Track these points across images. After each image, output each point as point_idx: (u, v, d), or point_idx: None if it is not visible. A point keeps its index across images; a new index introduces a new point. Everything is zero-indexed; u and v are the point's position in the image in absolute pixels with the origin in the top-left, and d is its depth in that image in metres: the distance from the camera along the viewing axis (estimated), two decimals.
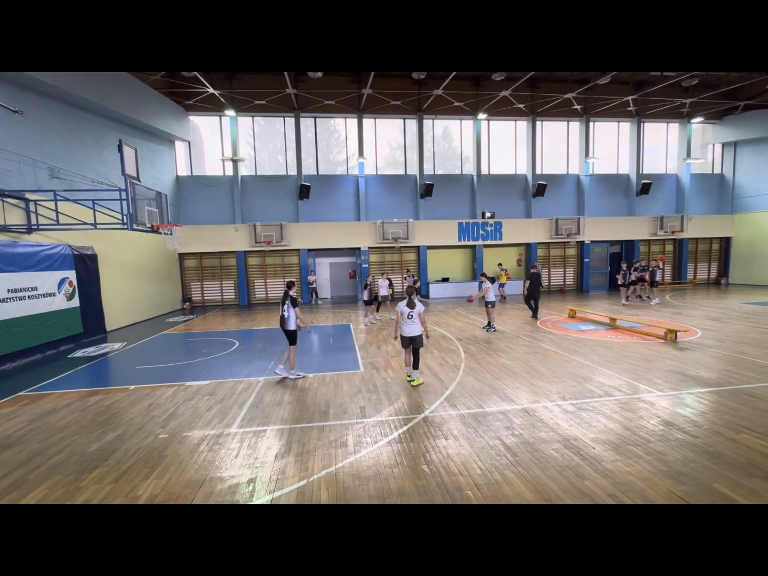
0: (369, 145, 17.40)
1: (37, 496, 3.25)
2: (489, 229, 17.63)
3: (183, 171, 16.51)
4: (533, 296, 11.05)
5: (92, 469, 3.67)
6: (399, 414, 4.70)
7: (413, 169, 17.80)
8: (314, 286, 16.83)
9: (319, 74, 13.71)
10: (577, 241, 18.37)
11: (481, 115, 16.97)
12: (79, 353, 8.52)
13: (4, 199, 7.90)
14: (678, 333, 8.06)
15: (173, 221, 13.14)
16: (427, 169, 17.72)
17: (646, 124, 18.91)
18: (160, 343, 9.50)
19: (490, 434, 4.08)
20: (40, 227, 8.42)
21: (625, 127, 18.93)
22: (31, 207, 8.42)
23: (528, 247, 18.34)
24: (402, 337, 5.73)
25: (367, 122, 17.25)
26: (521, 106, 17.31)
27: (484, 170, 18.11)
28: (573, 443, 3.83)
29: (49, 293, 8.69)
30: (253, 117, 16.68)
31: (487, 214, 17.69)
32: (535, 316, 11.05)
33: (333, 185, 17.29)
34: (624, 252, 19.34)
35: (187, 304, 15.86)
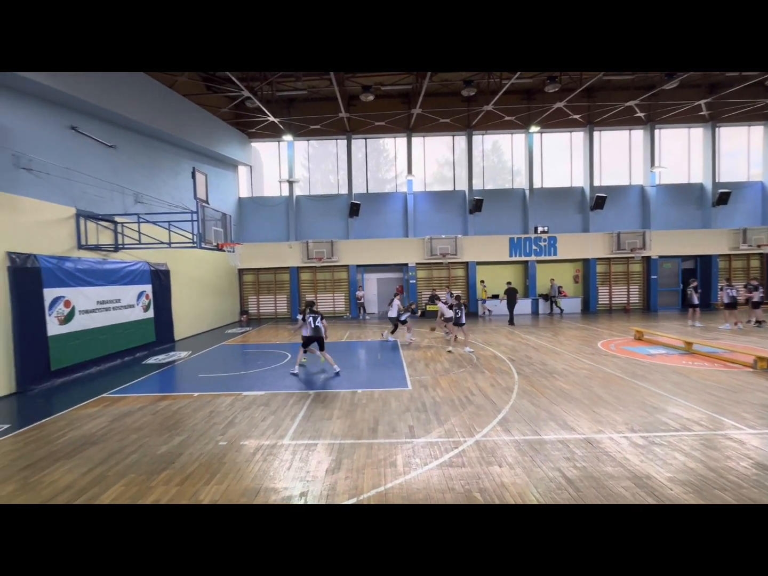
0: (417, 162, 17.65)
1: (115, 492, 3.56)
2: (542, 244, 16.90)
3: (244, 193, 17.83)
4: (510, 306, 13.96)
5: (161, 470, 3.96)
6: (449, 436, 4.56)
7: (462, 185, 17.70)
8: (362, 301, 17.11)
9: (371, 97, 14.26)
10: (642, 257, 16.99)
11: (534, 128, 16.53)
12: (151, 360, 9.35)
13: (98, 222, 9.04)
14: None
15: (235, 240, 14.15)
16: (476, 184, 17.52)
17: (722, 128, 17.26)
18: (219, 354, 10.15)
19: (549, 464, 3.82)
20: (125, 246, 9.49)
21: (697, 132, 17.42)
22: (119, 228, 9.54)
23: (586, 262, 17.27)
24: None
25: (416, 140, 17.54)
26: (577, 116, 16.64)
27: (537, 184, 17.52)
28: (646, 482, 3.46)
29: (130, 305, 9.69)
30: (308, 141, 17.69)
31: (540, 229, 17.00)
32: (511, 323, 13.83)
33: (382, 203, 17.68)
34: (699, 268, 17.51)
35: (244, 316, 16.84)
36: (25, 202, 7.32)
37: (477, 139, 17.53)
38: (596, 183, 17.37)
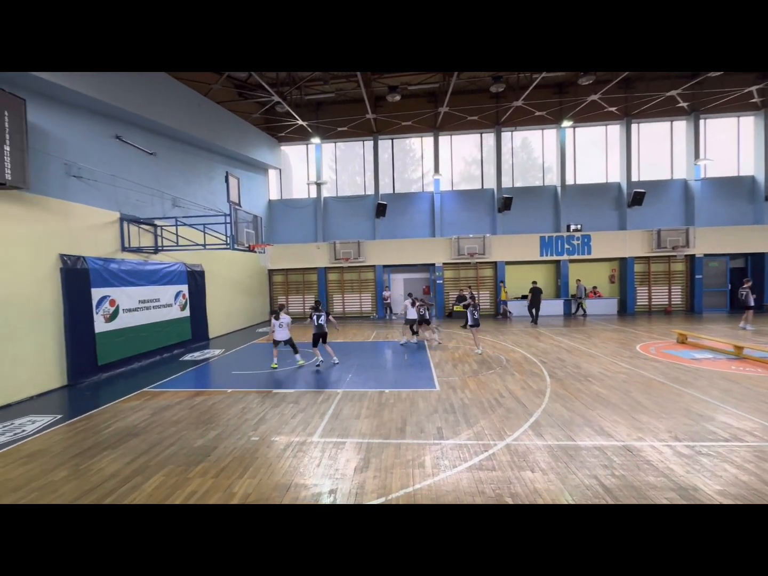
0: (444, 161, 17.47)
1: (156, 482, 3.74)
2: (575, 242, 16.29)
3: (274, 195, 18.30)
4: (534, 306, 14.21)
5: (197, 462, 4.12)
6: (479, 439, 4.48)
7: (490, 183, 17.36)
8: (389, 301, 17.14)
9: (397, 97, 14.26)
10: (685, 255, 16.01)
11: (566, 123, 15.99)
12: (187, 357, 9.77)
13: (140, 225, 9.55)
14: None
15: (266, 241, 14.56)
16: (505, 182, 17.13)
17: None
18: (251, 352, 10.45)
19: (585, 471, 3.67)
20: (164, 248, 9.97)
21: (748, 121, 16.21)
22: (158, 231, 10.04)
23: (623, 261, 16.48)
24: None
25: (443, 139, 17.38)
26: (613, 109, 15.91)
27: (570, 180, 16.91)
28: (692, 494, 3.25)
29: (168, 304, 10.17)
30: (335, 143, 17.92)
31: (573, 227, 16.39)
32: (535, 322, 14.07)
33: (408, 203, 17.63)
34: (750, 267, 16.30)
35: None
36: (76, 208, 7.85)
37: (506, 135, 17.13)
38: (634, 178, 16.54)
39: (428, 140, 17.48)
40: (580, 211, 16.71)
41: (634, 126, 16.47)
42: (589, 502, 3.16)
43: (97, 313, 7.93)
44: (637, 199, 15.78)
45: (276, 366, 8.23)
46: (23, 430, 5.17)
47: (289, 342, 8.25)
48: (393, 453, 4.19)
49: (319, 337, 8.19)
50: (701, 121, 16.15)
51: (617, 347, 9.35)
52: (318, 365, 8.05)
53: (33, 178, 6.76)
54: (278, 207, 18.16)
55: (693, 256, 15.92)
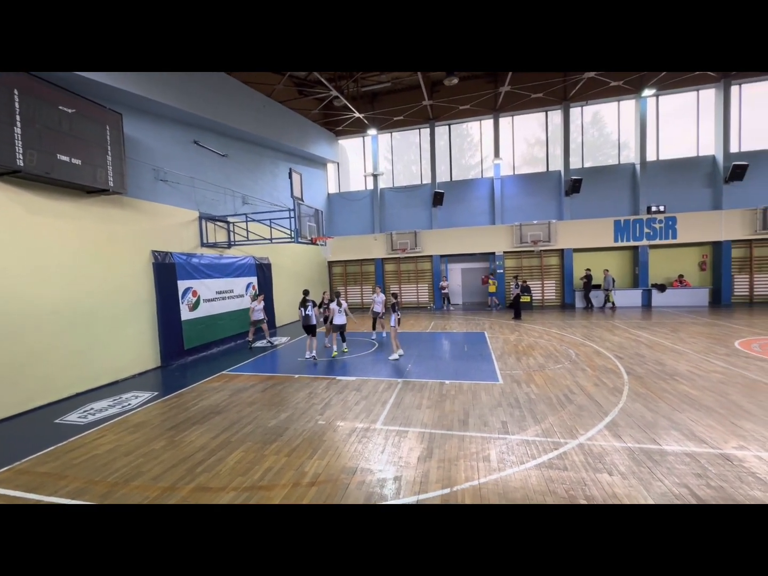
0: (505, 144, 16.60)
1: (237, 456, 4.11)
2: (657, 226, 14.62)
3: (332, 189, 18.82)
4: (588, 292, 14.62)
5: (272, 441, 4.45)
6: (547, 436, 4.27)
7: (556, 165, 16.16)
8: (446, 291, 16.88)
9: (455, 80, 13.76)
10: None
11: (647, 92, 14.28)
12: (258, 344, 10.52)
13: (216, 222, 10.41)
14: None
15: (325, 234, 15.07)
16: (573, 163, 15.84)
17: None
18: None
19: (673, 479, 3.33)
20: (236, 243, 10.77)
21: None
22: (231, 228, 10.86)
23: (716, 246, 14.48)
24: (334, 325, 8.50)
25: (503, 121, 16.49)
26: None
27: (651, 156, 15.14)
28: None
29: (239, 295, 11.01)
30: (391, 133, 17.86)
31: (655, 209, 14.70)
32: (588, 307, 14.78)
33: (466, 190, 17.09)
34: None
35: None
36: (163, 209, 8.75)
37: (574, 111, 15.77)
38: (733, 149, 14.33)
39: (487, 123, 16.71)
40: (664, 191, 14.93)
41: (734, 88, 14.22)
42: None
43: (182, 302, 8.84)
44: (737, 173, 13.68)
45: (346, 350, 8.96)
46: (129, 404, 5.98)
47: (343, 329, 8.71)
48: (456, 445, 4.15)
49: (305, 328, 8.49)
50: None
51: (710, 343, 8.29)
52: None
53: (129, 183, 7.65)
54: (336, 200, 18.65)
55: None
